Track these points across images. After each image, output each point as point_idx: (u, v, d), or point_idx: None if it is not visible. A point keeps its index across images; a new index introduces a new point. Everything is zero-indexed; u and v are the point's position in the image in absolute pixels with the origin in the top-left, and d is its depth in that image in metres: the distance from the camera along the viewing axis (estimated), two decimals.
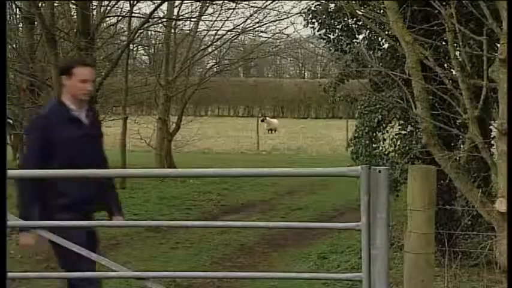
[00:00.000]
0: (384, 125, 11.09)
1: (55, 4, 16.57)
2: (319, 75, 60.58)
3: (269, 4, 21.47)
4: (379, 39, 10.71)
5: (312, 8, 11.77)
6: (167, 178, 19.46)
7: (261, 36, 25.20)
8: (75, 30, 16.13)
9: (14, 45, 19.83)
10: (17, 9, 19.22)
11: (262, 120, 37.88)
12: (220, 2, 20.91)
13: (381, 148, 11.13)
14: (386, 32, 9.12)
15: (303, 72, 66.04)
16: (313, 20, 11.63)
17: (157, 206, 15.48)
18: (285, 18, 21.71)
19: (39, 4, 16.26)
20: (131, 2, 17.32)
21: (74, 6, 16.28)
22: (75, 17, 16.50)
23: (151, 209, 15.03)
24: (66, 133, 5.48)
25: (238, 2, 20.24)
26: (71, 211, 5.44)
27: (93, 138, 5.70)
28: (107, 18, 18.81)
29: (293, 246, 11.21)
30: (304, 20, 11.79)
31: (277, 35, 24.92)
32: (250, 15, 22.62)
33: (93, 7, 17.24)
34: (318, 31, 11.74)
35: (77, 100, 5.65)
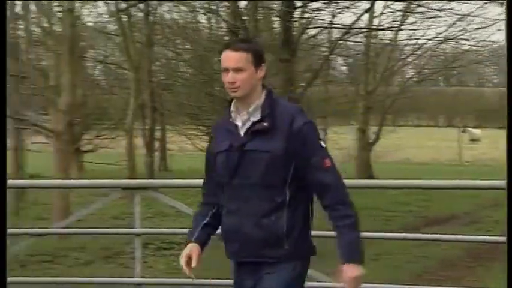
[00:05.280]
0: None
1: (258, 17, 17.05)
2: None
3: (474, 11, 20.88)
4: None
5: None
6: (366, 189, 19.38)
7: (463, 44, 24.56)
8: (277, 42, 16.51)
9: (218, 58, 20.58)
10: (223, 22, 19.91)
11: (463, 131, 36.83)
12: (423, 10, 20.59)
13: None
14: None
15: None
16: None
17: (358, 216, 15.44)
18: (491, 25, 20.99)
19: (244, 17, 16.79)
20: (333, 13, 17.48)
21: (277, 19, 16.65)
22: (277, 29, 16.88)
23: None
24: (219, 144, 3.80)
25: (441, 9, 19.81)
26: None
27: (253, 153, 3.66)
28: (307, 30, 19.05)
29: (503, 262, 10.76)
30: None
31: (481, 42, 24.15)
32: (453, 23, 22.11)
33: (295, 19, 17.54)
34: None
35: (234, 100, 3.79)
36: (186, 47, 22.61)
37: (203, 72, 19.60)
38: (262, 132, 3.60)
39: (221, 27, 20.61)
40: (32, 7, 16.10)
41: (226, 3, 17.64)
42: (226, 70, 3.64)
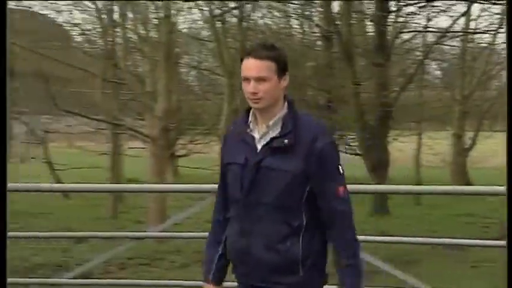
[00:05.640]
0: None
1: (352, 22, 17.00)
2: None
3: None
4: None
5: None
6: (462, 195, 18.99)
7: None
8: (371, 46, 16.41)
9: (313, 62, 20.58)
10: (316, 27, 19.91)
11: None
12: None
13: None
14: None
15: None
16: None
17: (454, 223, 15.18)
18: None
19: (337, 22, 16.78)
20: (428, 16, 17.25)
21: (371, 23, 16.55)
22: (371, 33, 16.77)
23: (449, 225, 14.77)
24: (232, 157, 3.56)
25: None
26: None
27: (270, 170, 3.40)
28: (402, 34, 18.85)
29: None
30: None
31: None
32: None
33: (389, 23, 17.39)
34: None
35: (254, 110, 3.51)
36: None
37: (295, 77, 19.62)
38: (282, 149, 3.34)
39: (314, 32, 20.59)
40: (129, 14, 16.45)
41: (319, 8, 17.63)
42: (248, 79, 3.35)
